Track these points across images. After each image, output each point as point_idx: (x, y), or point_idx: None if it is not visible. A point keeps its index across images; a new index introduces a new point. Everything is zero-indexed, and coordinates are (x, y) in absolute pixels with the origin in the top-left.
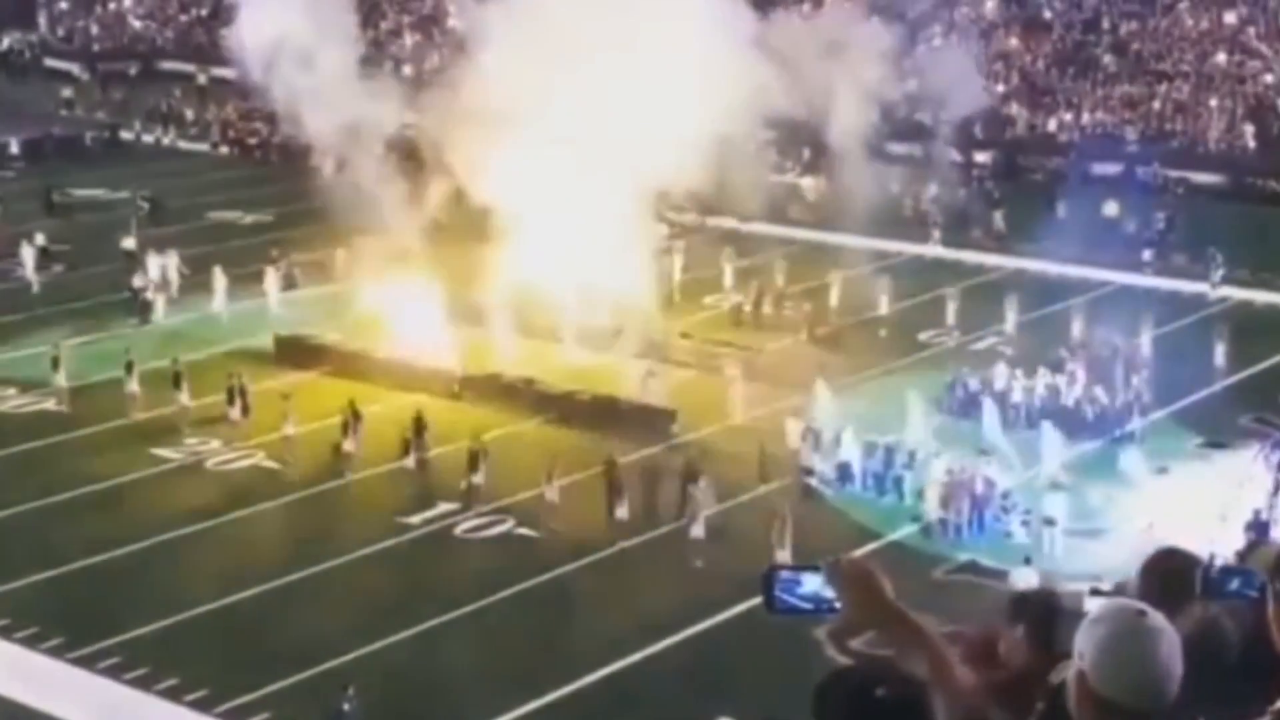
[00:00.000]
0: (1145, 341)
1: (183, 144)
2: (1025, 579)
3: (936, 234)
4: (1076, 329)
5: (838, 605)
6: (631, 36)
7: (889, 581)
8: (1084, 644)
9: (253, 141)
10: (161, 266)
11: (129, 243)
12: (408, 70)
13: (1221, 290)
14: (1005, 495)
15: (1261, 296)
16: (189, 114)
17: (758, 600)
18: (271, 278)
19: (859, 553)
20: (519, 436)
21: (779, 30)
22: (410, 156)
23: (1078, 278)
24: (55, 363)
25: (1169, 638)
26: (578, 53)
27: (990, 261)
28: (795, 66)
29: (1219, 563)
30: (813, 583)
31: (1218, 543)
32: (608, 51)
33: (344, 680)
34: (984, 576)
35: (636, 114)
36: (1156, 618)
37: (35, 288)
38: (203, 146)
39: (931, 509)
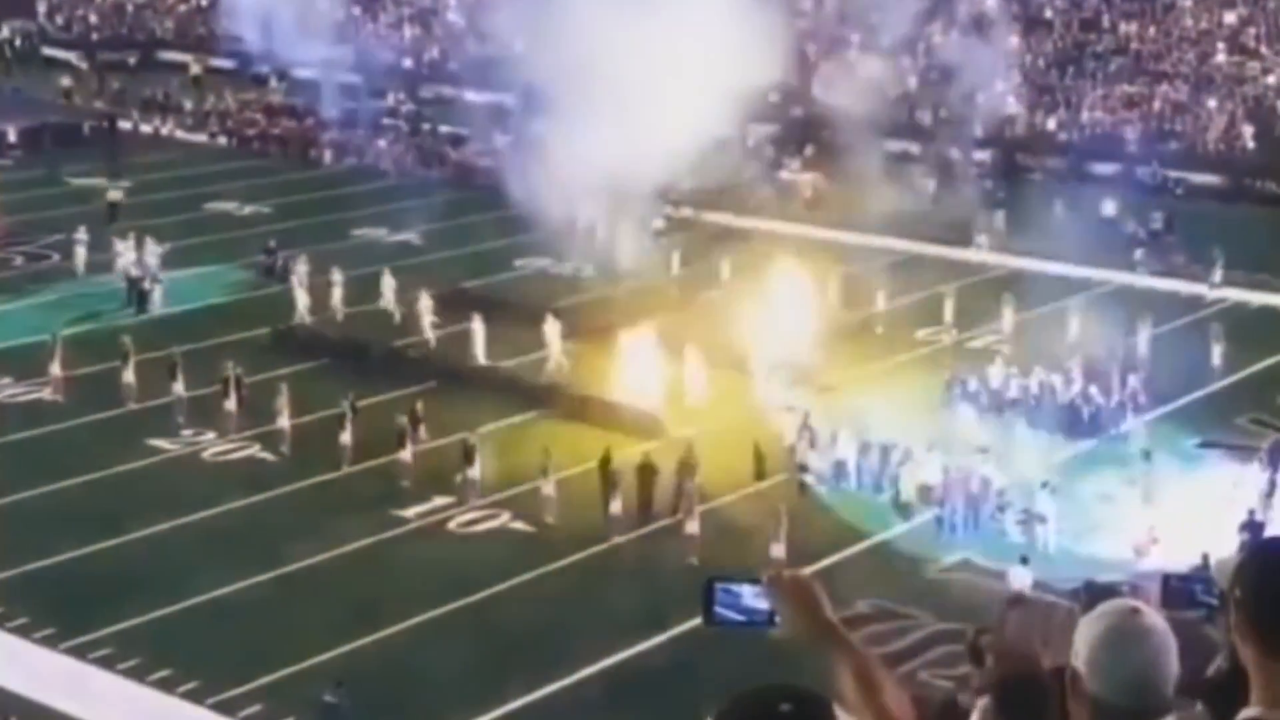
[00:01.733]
0: (1142, 341)
1: (181, 134)
2: (1021, 578)
3: (983, 239)
4: (1074, 328)
5: (776, 619)
6: (638, 25)
7: (827, 597)
8: (1078, 643)
9: (251, 132)
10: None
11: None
12: (408, 63)
13: (1220, 291)
14: (1001, 493)
15: (1258, 297)
16: (187, 104)
17: None
18: (151, 248)
19: (855, 550)
20: (514, 431)
21: (780, 21)
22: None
23: (1076, 277)
24: (52, 352)
25: (1162, 637)
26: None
27: (988, 260)
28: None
29: (1213, 563)
30: (752, 596)
31: (1210, 544)
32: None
33: (336, 675)
34: (978, 575)
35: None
36: (1151, 617)
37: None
38: (201, 137)
39: (910, 494)
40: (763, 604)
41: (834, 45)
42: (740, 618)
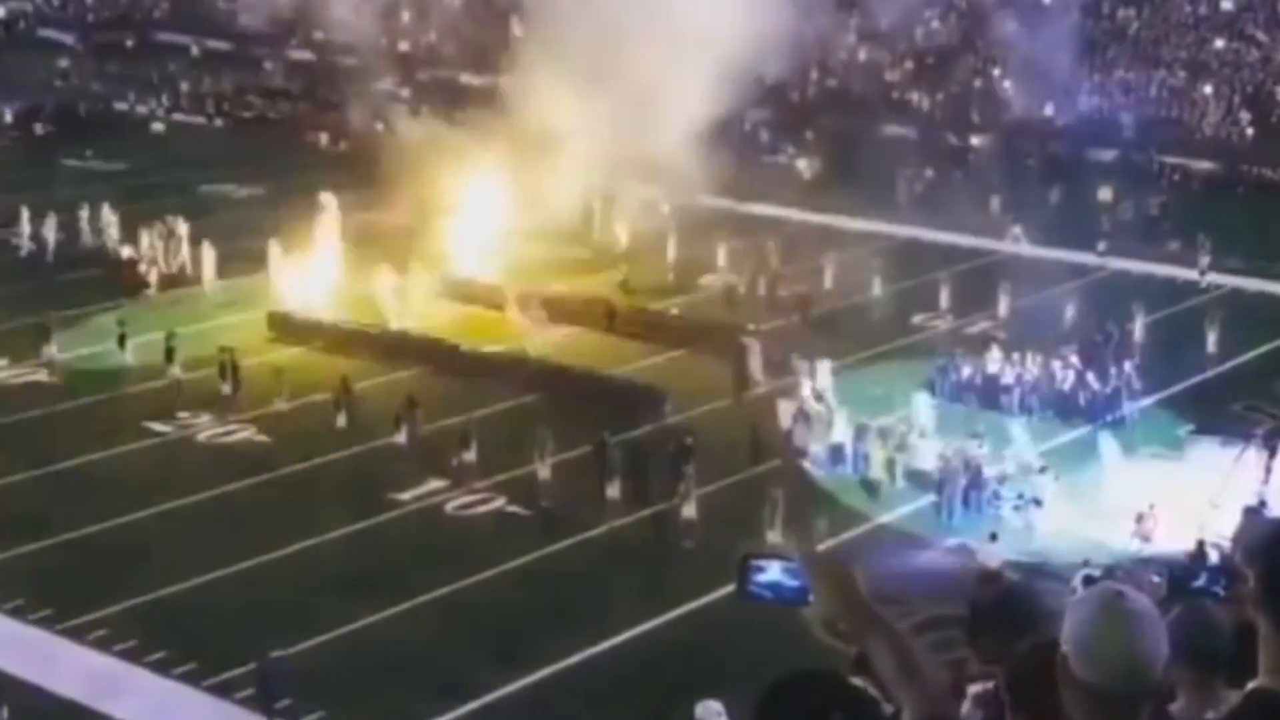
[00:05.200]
0: (1137, 327)
1: (178, 116)
2: (992, 556)
3: (1018, 230)
4: (1070, 314)
5: (810, 598)
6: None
7: (862, 577)
8: (1066, 627)
9: (248, 115)
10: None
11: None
12: (405, 46)
13: (1210, 277)
14: (1002, 480)
15: (1254, 284)
16: (184, 86)
17: None
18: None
19: (850, 535)
20: (511, 414)
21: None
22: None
23: (1072, 262)
24: (47, 334)
25: (1149, 619)
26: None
27: (984, 245)
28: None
29: (1209, 549)
30: (786, 573)
31: (1208, 528)
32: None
33: (332, 658)
34: (973, 560)
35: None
36: (1137, 599)
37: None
38: (198, 119)
39: (879, 472)
40: (796, 581)
41: (832, 28)
42: (774, 595)
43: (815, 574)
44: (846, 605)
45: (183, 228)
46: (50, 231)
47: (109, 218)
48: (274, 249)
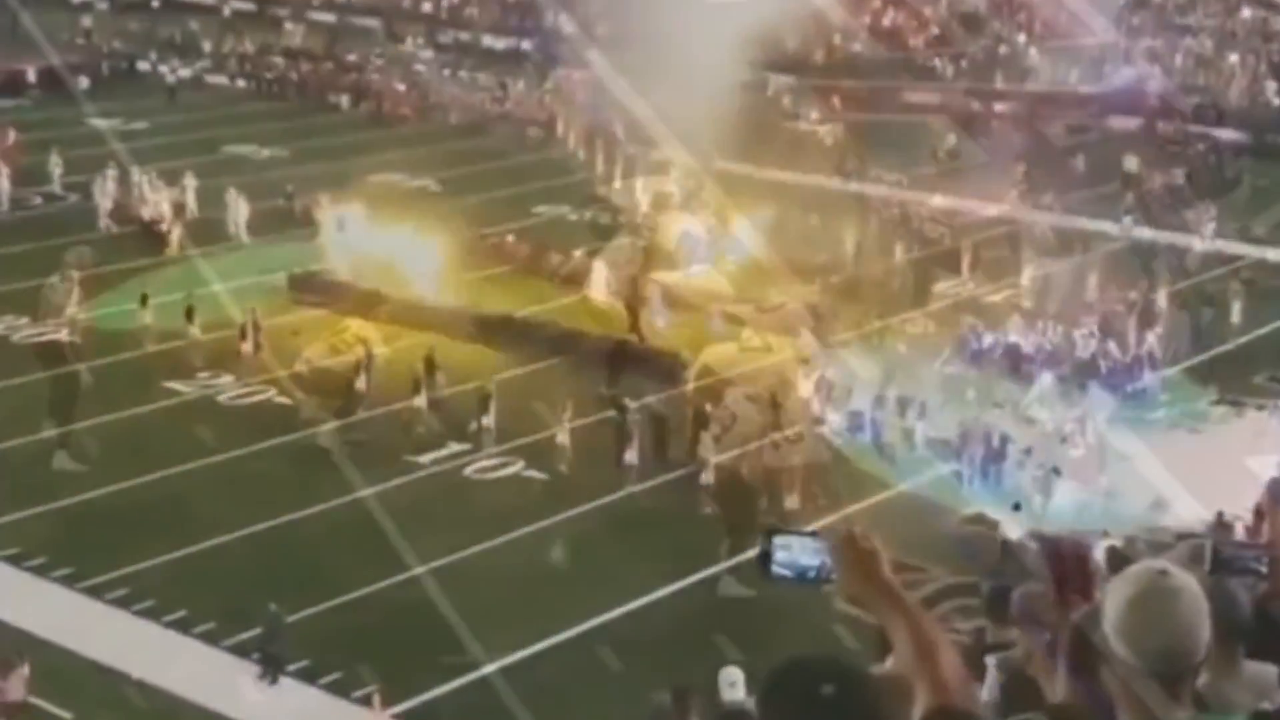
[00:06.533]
0: (1160, 297)
1: (203, 76)
2: (1014, 526)
3: (1016, 193)
4: (1092, 283)
5: (834, 576)
6: None
7: (887, 556)
8: (1108, 608)
9: (270, 76)
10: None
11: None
12: (427, 7)
13: (1213, 243)
14: (1027, 451)
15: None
16: (206, 46)
17: None
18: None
19: (869, 503)
20: (531, 378)
21: None
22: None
23: (1095, 231)
24: (68, 293)
25: (1192, 598)
26: None
27: (1007, 213)
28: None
29: (1231, 520)
30: (810, 552)
31: (1226, 502)
32: None
33: (343, 622)
34: (991, 528)
35: None
36: (1179, 577)
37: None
38: (221, 79)
39: (893, 437)
40: (820, 560)
41: None
42: (797, 574)
43: (839, 552)
44: (868, 584)
45: (192, 185)
46: (101, 192)
47: (132, 177)
48: (297, 210)
